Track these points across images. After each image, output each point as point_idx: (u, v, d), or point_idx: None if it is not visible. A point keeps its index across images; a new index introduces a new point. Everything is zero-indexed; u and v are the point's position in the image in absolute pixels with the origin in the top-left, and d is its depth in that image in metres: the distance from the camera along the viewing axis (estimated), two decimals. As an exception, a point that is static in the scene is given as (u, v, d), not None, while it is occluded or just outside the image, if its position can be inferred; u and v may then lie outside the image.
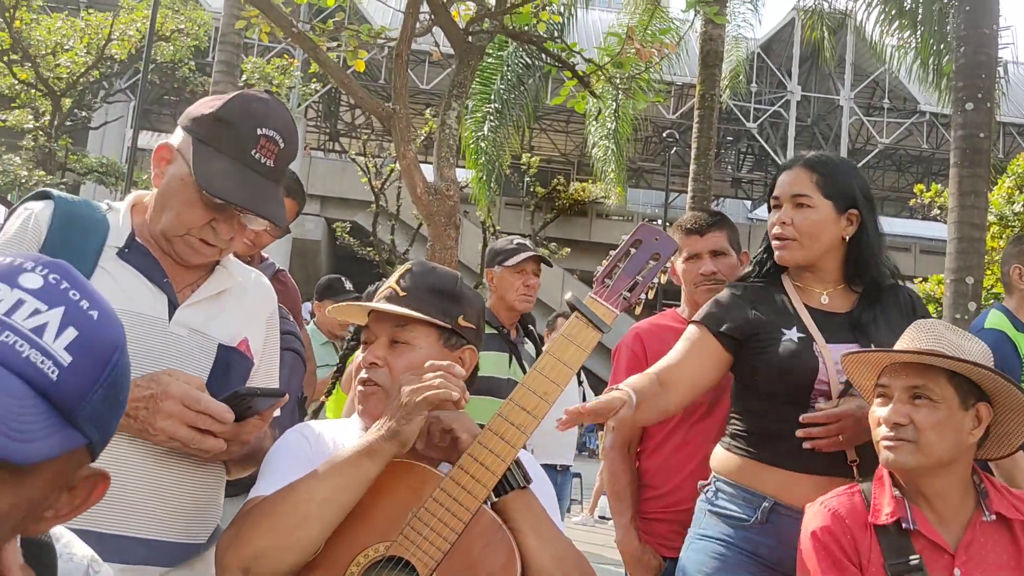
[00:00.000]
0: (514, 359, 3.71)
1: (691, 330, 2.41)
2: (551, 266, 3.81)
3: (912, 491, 1.97)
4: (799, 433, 2.15)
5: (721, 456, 2.38)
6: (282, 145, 1.77)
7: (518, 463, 1.66)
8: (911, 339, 2.00)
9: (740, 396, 2.40)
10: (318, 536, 1.54)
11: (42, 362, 0.84)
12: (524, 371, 3.57)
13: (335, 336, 5.15)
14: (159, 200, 1.78)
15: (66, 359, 0.85)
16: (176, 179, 1.75)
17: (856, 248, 2.36)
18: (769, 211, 2.45)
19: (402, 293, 1.77)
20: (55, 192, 1.81)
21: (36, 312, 0.86)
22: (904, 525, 1.92)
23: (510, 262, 3.72)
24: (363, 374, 1.76)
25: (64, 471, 0.90)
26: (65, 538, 1.09)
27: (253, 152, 1.73)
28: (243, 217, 1.77)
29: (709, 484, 2.39)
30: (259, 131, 1.74)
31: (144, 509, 1.68)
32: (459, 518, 1.56)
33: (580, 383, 6.54)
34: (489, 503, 1.63)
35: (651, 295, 1.82)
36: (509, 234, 21.73)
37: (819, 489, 2.15)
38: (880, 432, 1.96)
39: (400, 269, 1.85)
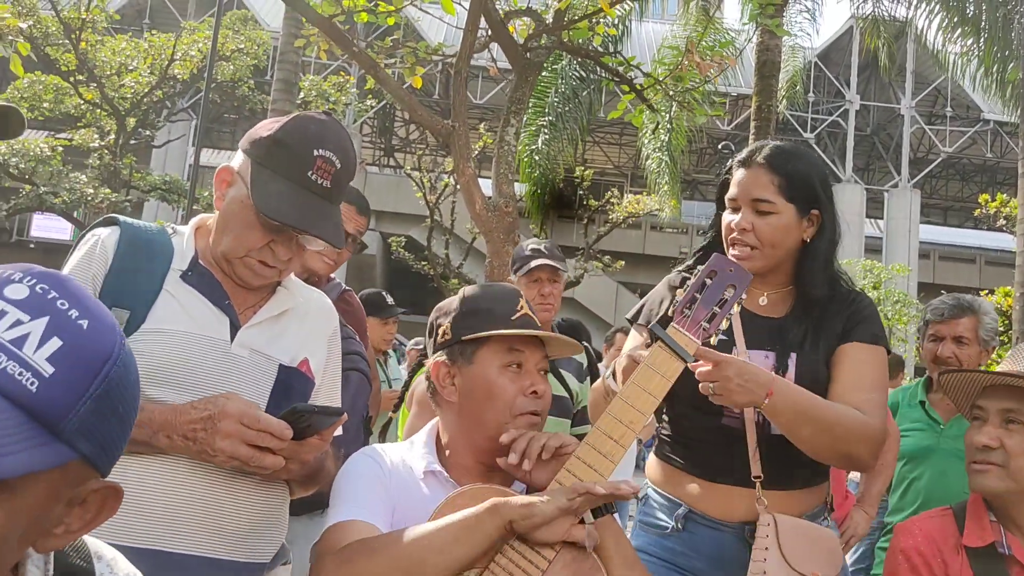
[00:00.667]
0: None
1: (633, 332, 2.37)
2: (564, 271, 3.65)
3: (1004, 517, 1.91)
4: (697, 370, 1.90)
5: (651, 463, 2.33)
6: (339, 165, 1.79)
7: None
8: (1013, 360, 1.94)
9: (665, 400, 2.30)
10: None
11: (20, 374, 0.82)
12: (563, 384, 3.48)
13: (378, 351, 5.15)
14: (220, 223, 1.81)
15: (47, 370, 0.83)
16: (236, 202, 1.78)
17: (811, 252, 2.20)
18: (720, 207, 2.29)
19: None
20: (121, 218, 1.86)
21: (18, 323, 0.84)
22: (1000, 550, 1.87)
23: (522, 271, 3.59)
24: (529, 404, 1.75)
25: (62, 486, 0.87)
26: (108, 556, 1.07)
27: (310, 173, 1.75)
28: (301, 238, 1.79)
29: (644, 494, 2.33)
30: (315, 152, 1.75)
31: (209, 528, 1.69)
32: (551, 546, 1.56)
33: None
34: None
35: (727, 325, 1.83)
36: (563, 247, 21.81)
37: (727, 497, 2.11)
38: (971, 455, 1.90)
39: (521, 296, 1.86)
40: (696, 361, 1.78)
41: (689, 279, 2.33)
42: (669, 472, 2.24)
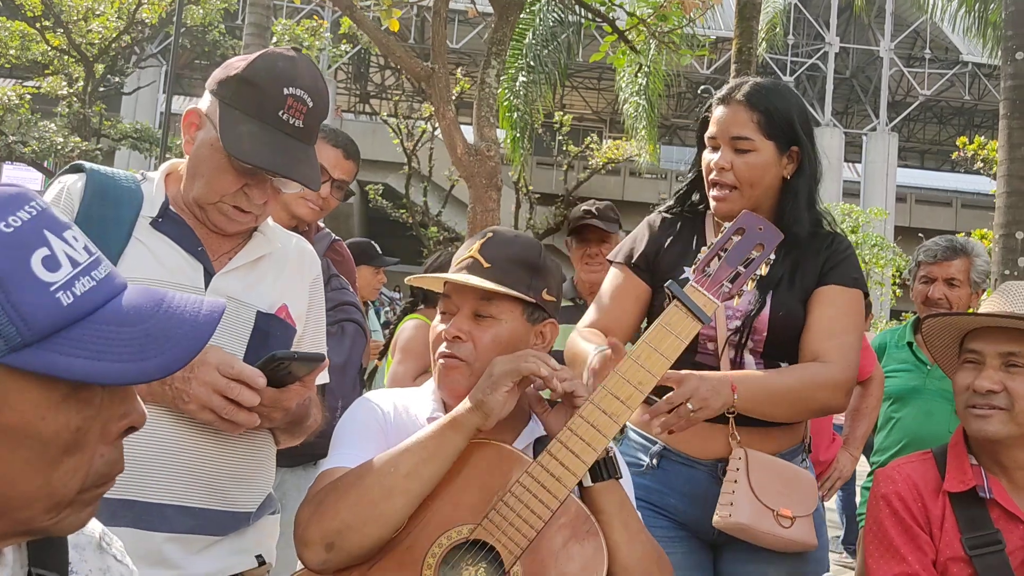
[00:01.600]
0: None
1: (611, 271, 2.34)
2: (614, 232, 3.62)
3: (989, 461, 1.91)
4: (656, 426, 1.92)
5: None
6: (311, 104, 1.72)
7: (615, 454, 1.61)
8: (1004, 301, 1.91)
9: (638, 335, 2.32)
10: (403, 509, 1.51)
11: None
12: None
13: (364, 301, 5.11)
14: (190, 167, 1.75)
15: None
16: (205, 145, 1.71)
17: (792, 190, 2.19)
18: (700, 146, 2.27)
19: (486, 264, 1.69)
20: (88, 165, 1.78)
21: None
22: (980, 494, 1.87)
23: (573, 232, 3.63)
24: (443, 348, 1.68)
25: None
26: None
27: (281, 113, 1.68)
28: (276, 181, 1.73)
29: (623, 434, 2.31)
30: (286, 91, 1.68)
31: (188, 478, 1.66)
32: (547, 505, 1.51)
33: None
34: (579, 490, 1.58)
35: (751, 286, 1.75)
36: (542, 195, 21.67)
37: (700, 434, 2.09)
38: (967, 399, 1.88)
39: (479, 237, 1.76)
40: (711, 322, 1.70)
41: (668, 218, 2.31)
42: (643, 409, 2.19)
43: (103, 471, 0.92)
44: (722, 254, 1.73)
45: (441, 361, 1.69)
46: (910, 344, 3.49)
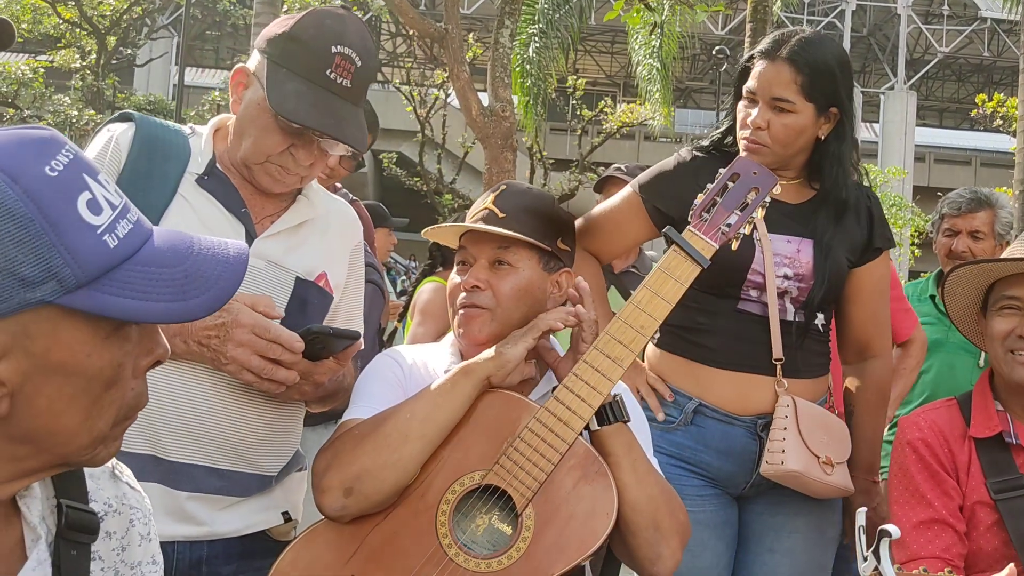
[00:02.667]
0: (615, 290, 3.61)
1: (626, 195, 2.30)
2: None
3: (1018, 407, 1.90)
4: None
5: (651, 353, 2.28)
6: (359, 63, 1.68)
7: (621, 398, 1.63)
8: None
9: None
10: (419, 454, 1.54)
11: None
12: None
13: (382, 262, 5.13)
14: (237, 126, 1.73)
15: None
16: (252, 104, 1.69)
17: (827, 148, 2.19)
18: (737, 97, 2.23)
19: (501, 214, 1.71)
20: (137, 114, 1.77)
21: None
22: (1007, 439, 1.87)
23: (599, 188, 3.62)
24: (463, 297, 1.71)
25: None
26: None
27: (328, 72, 1.65)
28: (322, 142, 1.70)
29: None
30: (334, 49, 1.65)
31: (216, 441, 1.68)
32: (556, 449, 1.55)
33: None
34: (588, 434, 1.61)
35: (749, 230, 1.77)
36: (556, 160, 21.53)
37: (741, 387, 2.12)
38: (1010, 344, 1.87)
39: (493, 191, 1.80)
40: (709, 265, 1.71)
41: (699, 156, 2.28)
42: (677, 363, 2.19)
43: (132, 403, 0.96)
44: (719, 198, 1.76)
45: (461, 311, 1.71)
46: (932, 297, 3.46)
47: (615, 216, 2.29)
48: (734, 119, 2.26)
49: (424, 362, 1.76)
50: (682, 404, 2.18)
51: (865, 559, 1.50)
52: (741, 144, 2.18)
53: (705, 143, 2.34)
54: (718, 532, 2.17)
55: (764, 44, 2.18)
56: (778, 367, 2.10)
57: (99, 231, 0.85)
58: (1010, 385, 1.91)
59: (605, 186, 3.62)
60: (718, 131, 2.32)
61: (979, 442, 1.90)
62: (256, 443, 1.74)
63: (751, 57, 2.21)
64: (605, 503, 1.54)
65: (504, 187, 1.79)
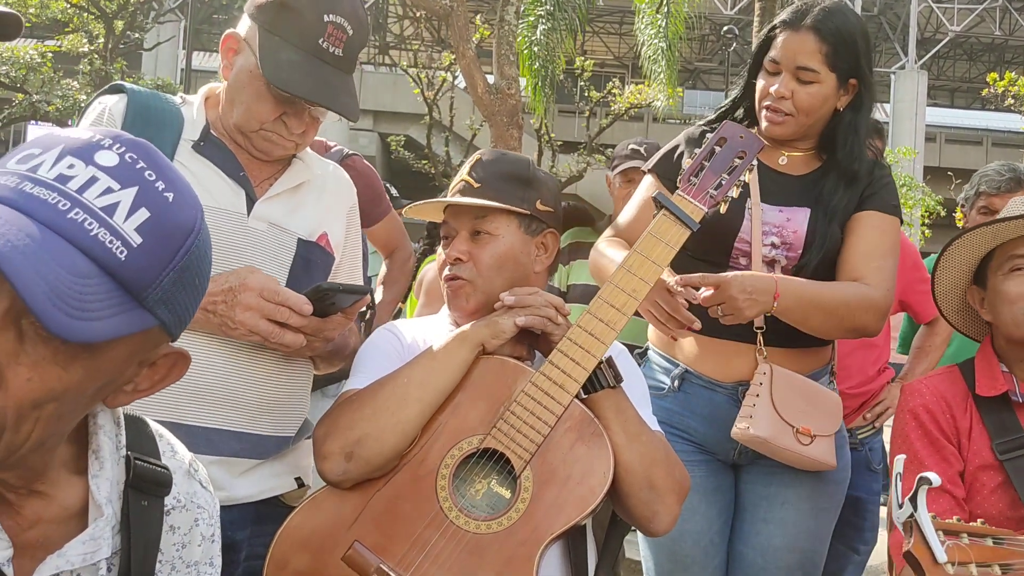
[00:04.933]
0: None
1: (646, 180, 2.32)
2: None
3: (1022, 369, 1.90)
4: (701, 300, 1.95)
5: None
6: (351, 32, 1.70)
7: (609, 362, 1.65)
8: None
9: None
10: (417, 418, 1.57)
11: (111, 241, 0.84)
12: None
13: None
14: (229, 93, 1.74)
15: (135, 240, 0.85)
16: (244, 72, 1.70)
17: (843, 118, 2.19)
18: (756, 69, 2.23)
19: (476, 184, 1.74)
20: (128, 85, 1.78)
21: (108, 191, 0.85)
22: (1013, 397, 1.88)
23: (617, 169, 3.61)
24: (447, 271, 1.74)
25: (139, 349, 0.92)
26: (167, 437, 1.14)
27: (320, 41, 1.66)
28: (313, 110, 1.72)
29: (638, 351, 2.31)
30: (326, 17, 1.66)
31: (235, 402, 1.70)
32: (552, 411, 1.58)
33: None
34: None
35: (737, 193, 1.80)
36: (564, 142, 21.49)
37: (724, 354, 2.13)
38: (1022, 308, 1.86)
39: (470, 160, 1.82)
40: (698, 228, 1.75)
41: (709, 133, 2.29)
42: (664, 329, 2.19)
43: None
44: (706, 163, 1.78)
45: (447, 284, 1.75)
46: None
47: (639, 201, 2.29)
48: (744, 93, 2.28)
49: (423, 335, 1.79)
50: (669, 371, 2.22)
51: (901, 506, 1.51)
52: (762, 115, 2.19)
53: (712, 117, 2.35)
54: (709, 498, 2.20)
55: (787, 14, 2.18)
56: (759, 335, 2.11)
57: None
58: (1020, 346, 1.91)
59: (628, 174, 3.56)
60: (728, 101, 2.33)
61: (983, 405, 1.90)
62: (272, 402, 1.76)
63: (773, 27, 2.21)
64: (601, 463, 1.57)
65: (479, 156, 1.82)
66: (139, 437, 1.08)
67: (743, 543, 2.23)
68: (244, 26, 1.73)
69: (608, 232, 2.31)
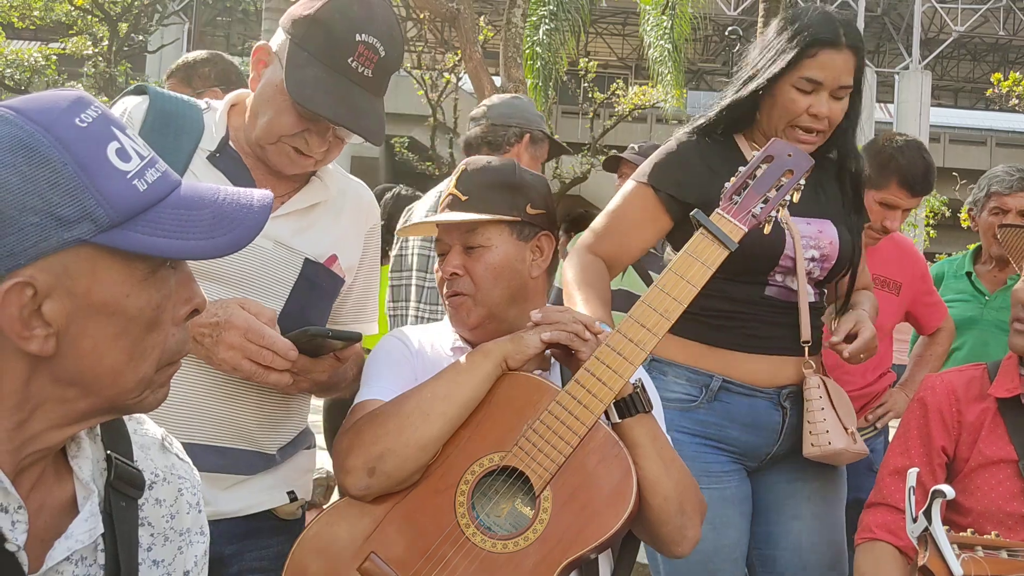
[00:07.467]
0: (634, 271, 3.58)
1: (633, 190, 2.21)
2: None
3: None
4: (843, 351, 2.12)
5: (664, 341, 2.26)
6: (383, 53, 1.66)
7: (643, 387, 1.63)
8: None
9: None
10: (441, 433, 1.56)
11: None
12: (646, 285, 3.47)
13: None
14: (254, 105, 1.71)
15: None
16: (271, 84, 1.67)
17: (850, 128, 2.24)
18: (775, 74, 2.12)
19: (464, 197, 1.72)
20: (151, 87, 1.75)
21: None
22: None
23: (613, 171, 3.68)
24: (446, 286, 1.73)
25: None
26: (136, 417, 1.17)
27: (350, 60, 1.63)
28: (338, 130, 1.69)
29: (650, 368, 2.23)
30: (358, 37, 1.63)
31: (216, 419, 1.68)
32: (575, 432, 1.55)
33: None
34: (610, 424, 1.61)
35: (781, 213, 1.76)
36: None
37: (769, 365, 2.14)
38: (1016, 313, 1.89)
39: (456, 171, 1.80)
40: (737, 248, 1.70)
41: (700, 139, 2.26)
42: (695, 349, 2.18)
43: (175, 349, 1.03)
44: (750, 181, 1.73)
45: (448, 301, 1.73)
46: (968, 274, 3.45)
47: (629, 214, 2.21)
48: (747, 102, 2.21)
49: (430, 341, 1.78)
50: (703, 382, 2.16)
51: (915, 520, 1.50)
52: (794, 132, 2.15)
53: (702, 123, 2.27)
54: (740, 508, 2.20)
55: (825, 32, 2.12)
56: (806, 348, 2.13)
57: (128, 176, 0.93)
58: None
59: (621, 169, 3.63)
60: (726, 105, 2.24)
61: (1002, 402, 1.93)
62: (256, 421, 1.74)
63: (806, 44, 2.12)
64: (624, 487, 1.54)
65: (464, 167, 1.79)
66: (116, 437, 1.11)
67: (772, 547, 2.23)
68: (277, 39, 1.70)
69: (592, 238, 2.21)
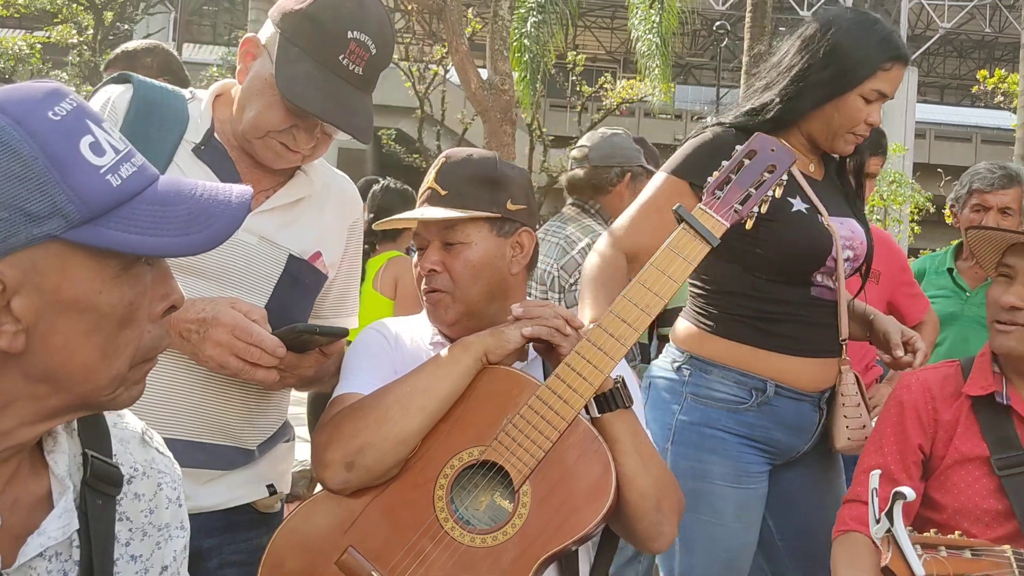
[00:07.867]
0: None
1: (664, 183, 2.13)
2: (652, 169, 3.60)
3: (1013, 372, 1.93)
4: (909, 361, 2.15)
5: (696, 336, 2.19)
6: (374, 51, 1.64)
7: (623, 383, 1.62)
8: None
9: (726, 273, 2.15)
10: (420, 427, 1.55)
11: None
12: None
13: None
14: (242, 98, 1.68)
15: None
16: (259, 78, 1.64)
17: None
18: (836, 91, 2.10)
19: (443, 192, 1.70)
20: (136, 76, 1.72)
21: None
22: (998, 399, 1.92)
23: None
24: (424, 283, 1.71)
25: None
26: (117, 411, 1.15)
27: (341, 57, 1.60)
28: (326, 127, 1.67)
29: (678, 363, 2.21)
30: (350, 34, 1.60)
31: (196, 414, 1.67)
32: (555, 427, 1.55)
33: None
34: (590, 419, 1.61)
35: (764, 209, 1.73)
36: (556, 137, 21.50)
37: (815, 369, 2.15)
38: (994, 313, 1.90)
39: (436, 163, 1.77)
40: (719, 243, 1.67)
41: (737, 133, 2.15)
42: (743, 351, 2.14)
43: (150, 346, 1.01)
44: (733, 176, 1.72)
45: (425, 297, 1.72)
46: (950, 270, 3.47)
47: (662, 207, 2.03)
48: (802, 103, 2.14)
49: (409, 334, 1.77)
50: (756, 386, 2.14)
51: (878, 521, 1.51)
52: (847, 138, 2.16)
53: (742, 118, 2.19)
54: (763, 507, 2.23)
55: (898, 49, 2.13)
56: (843, 346, 2.16)
57: (102, 171, 0.91)
58: (1000, 355, 1.94)
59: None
60: (777, 95, 2.16)
61: (975, 400, 1.94)
62: (237, 417, 1.73)
63: (889, 58, 2.11)
64: (603, 483, 1.54)
65: (444, 160, 1.76)
66: (95, 432, 1.09)
67: (804, 539, 2.25)
68: (266, 32, 1.67)
69: (620, 232, 2.14)
